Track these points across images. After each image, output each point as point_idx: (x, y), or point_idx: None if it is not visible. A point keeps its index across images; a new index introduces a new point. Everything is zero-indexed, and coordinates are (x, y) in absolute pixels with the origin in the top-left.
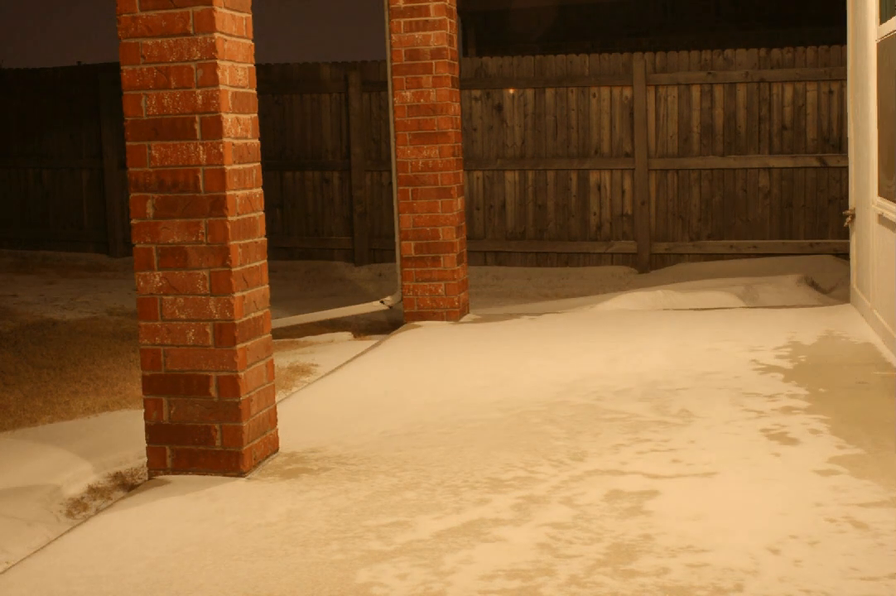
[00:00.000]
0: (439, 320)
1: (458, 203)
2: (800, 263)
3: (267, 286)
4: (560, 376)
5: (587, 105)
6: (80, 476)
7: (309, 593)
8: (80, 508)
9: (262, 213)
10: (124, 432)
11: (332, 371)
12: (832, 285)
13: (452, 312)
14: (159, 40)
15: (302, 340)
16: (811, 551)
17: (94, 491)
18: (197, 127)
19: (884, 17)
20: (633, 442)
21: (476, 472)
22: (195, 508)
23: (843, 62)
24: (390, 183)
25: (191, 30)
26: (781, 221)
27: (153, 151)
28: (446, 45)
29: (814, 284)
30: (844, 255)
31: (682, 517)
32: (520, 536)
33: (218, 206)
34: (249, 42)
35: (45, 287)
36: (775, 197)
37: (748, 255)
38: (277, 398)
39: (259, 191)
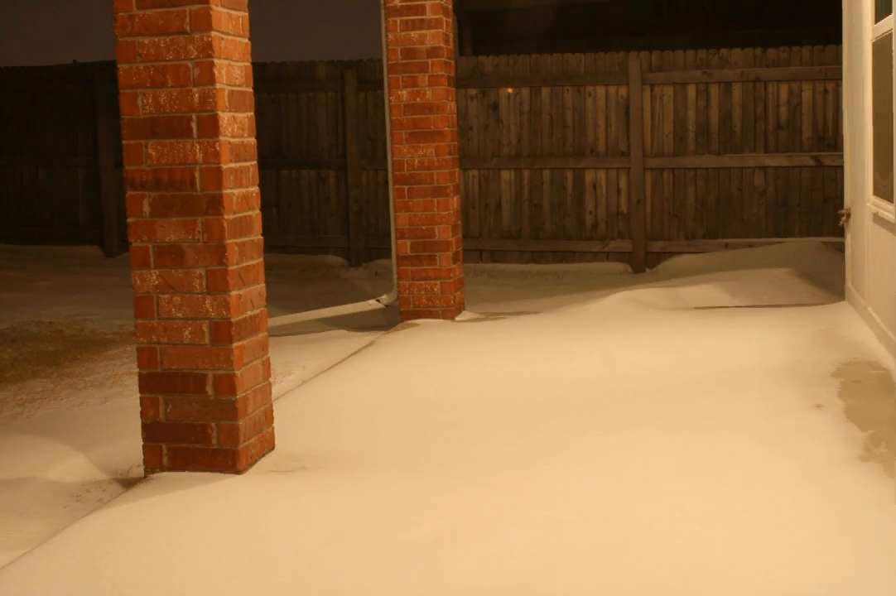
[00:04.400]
0: (435, 319)
1: (454, 202)
2: (793, 252)
3: (263, 285)
4: (557, 375)
5: (583, 104)
6: (76, 469)
7: (307, 592)
8: (75, 501)
9: (258, 211)
10: (121, 426)
11: (328, 369)
12: (825, 275)
13: (448, 311)
14: (156, 39)
15: (298, 338)
16: (815, 551)
17: (90, 484)
18: (193, 125)
19: (879, 17)
20: (633, 442)
21: (473, 470)
22: (191, 506)
23: (838, 61)
24: (386, 182)
25: (187, 28)
26: (777, 220)
27: (150, 150)
28: (442, 44)
29: (807, 276)
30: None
31: (683, 518)
32: (519, 534)
33: (214, 204)
34: (246, 40)
35: (42, 284)
36: (770, 196)
37: None
38: (273, 396)
39: (255, 189)
